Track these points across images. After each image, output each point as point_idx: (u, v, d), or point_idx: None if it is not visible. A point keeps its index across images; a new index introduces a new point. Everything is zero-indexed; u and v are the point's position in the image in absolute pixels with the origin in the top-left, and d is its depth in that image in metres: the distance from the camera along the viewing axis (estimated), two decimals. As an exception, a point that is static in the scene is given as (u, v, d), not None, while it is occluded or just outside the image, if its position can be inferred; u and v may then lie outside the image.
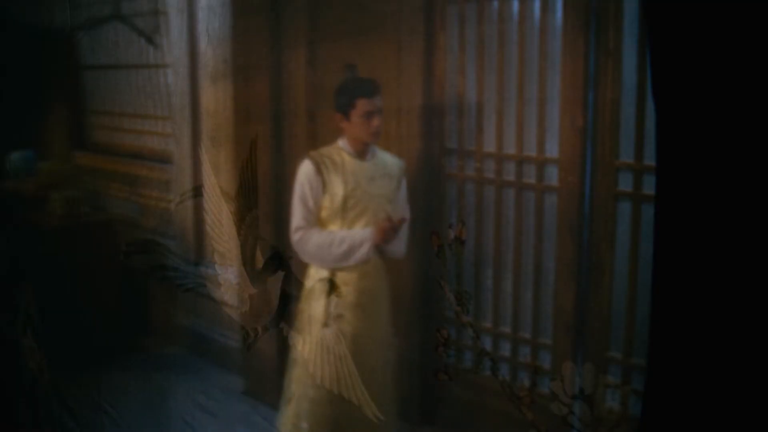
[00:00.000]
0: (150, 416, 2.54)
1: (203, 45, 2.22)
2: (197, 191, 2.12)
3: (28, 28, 2.93)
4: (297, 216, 2.05)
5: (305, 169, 2.04)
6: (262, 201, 1.92)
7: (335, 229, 2.02)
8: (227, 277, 2.00)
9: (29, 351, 2.81)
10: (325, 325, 1.91)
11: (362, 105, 1.95)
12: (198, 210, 2.22)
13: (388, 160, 2.02)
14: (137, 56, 2.59)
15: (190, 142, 2.41)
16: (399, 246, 1.95)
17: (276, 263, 1.91)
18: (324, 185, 2.01)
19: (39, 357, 2.80)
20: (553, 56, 1.62)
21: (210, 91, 2.23)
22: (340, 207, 2.01)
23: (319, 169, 2.02)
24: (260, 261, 1.92)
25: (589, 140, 1.58)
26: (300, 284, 1.97)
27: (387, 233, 1.94)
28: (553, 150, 1.66)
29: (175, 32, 2.39)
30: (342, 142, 2.02)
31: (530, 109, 1.68)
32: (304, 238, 2.04)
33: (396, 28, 1.85)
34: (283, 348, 2.04)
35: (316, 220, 2.04)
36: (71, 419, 2.78)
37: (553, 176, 1.67)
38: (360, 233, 1.99)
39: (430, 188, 1.88)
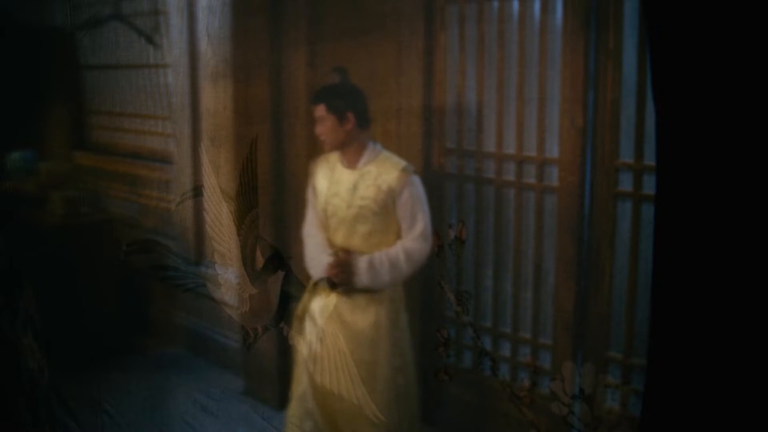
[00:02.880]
0: (150, 416, 2.54)
1: (203, 45, 2.21)
2: (197, 191, 2.11)
3: (28, 28, 2.93)
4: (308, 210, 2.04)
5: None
6: (262, 201, 1.92)
7: (322, 236, 1.99)
8: (227, 277, 2.00)
9: (29, 351, 2.81)
10: (324, 324, 1.90)
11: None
12: (198, 210, 2.22)
13: (382, 170, 1.89)
14: (137, 56, 2.59)
15: (190, 142, 2.41)
16: (370, 281, 1.90)
17: (276, 263, 1.91)
18: (313, 186, 2.00)
19: (39, 357, 2.80)
20: (553, 56, 1.62)
21: (210, 91, 2.23)
22: (323, 212, 1.98)
23: (315, 166, 2.00)
24: (260, 261, 1.92)
25: (589, 140, 1.58)
26: (300, 284, 1.97)
27: (340, 269, 1.90)
28: (553, 150, 1.66)
29: (175, 32, 2.39)
30: None
31: (530, 109, 1.68)
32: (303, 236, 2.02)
33: (396, 28, 1.85)
34: (283, 348, 2.04)
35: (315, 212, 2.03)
36: (71, 419, 2.78)
37: (553, 176, 1.67)
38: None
39: (430, 188, 1.88)
